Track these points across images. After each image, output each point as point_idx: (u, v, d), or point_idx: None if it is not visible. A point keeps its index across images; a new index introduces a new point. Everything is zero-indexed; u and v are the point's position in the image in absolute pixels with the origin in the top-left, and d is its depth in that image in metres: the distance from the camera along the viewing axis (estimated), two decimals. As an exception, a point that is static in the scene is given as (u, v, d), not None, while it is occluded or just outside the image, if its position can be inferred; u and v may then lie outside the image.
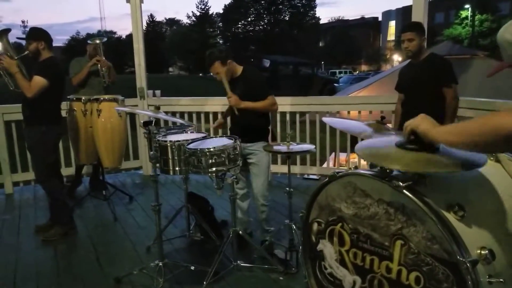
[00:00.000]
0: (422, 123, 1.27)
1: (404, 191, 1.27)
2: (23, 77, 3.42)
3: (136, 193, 4.87)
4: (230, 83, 3.12)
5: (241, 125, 3.14)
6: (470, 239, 1.20)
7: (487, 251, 1.18)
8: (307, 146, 3.15)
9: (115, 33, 56.80)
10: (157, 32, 52.16)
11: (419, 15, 4.40)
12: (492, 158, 1.52)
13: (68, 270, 3.12)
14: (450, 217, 1.23)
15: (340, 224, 1.52)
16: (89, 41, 4.81)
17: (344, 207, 1.50)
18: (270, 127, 3.41)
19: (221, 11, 47.76)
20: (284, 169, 3.36)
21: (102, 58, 4.58)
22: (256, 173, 3.23)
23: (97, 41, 4.67)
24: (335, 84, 23.95)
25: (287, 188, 3.11)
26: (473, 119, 1.13)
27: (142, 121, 2.94)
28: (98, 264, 3.17)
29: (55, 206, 3.71)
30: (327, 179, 1.57)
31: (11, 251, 3.43)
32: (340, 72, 36.23)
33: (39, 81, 3.39)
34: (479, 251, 1.19)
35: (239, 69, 3.15)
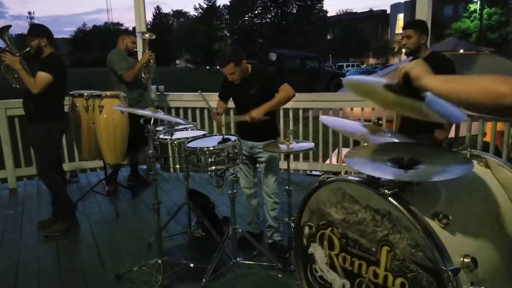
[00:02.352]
0: (416, 67, 1.26)
1: (390, 198, 1.29)
2: (27, 73, 3.45)
3: (139, 189, 4.92)
4: (241, 83, 3.11)
5: (250, 124, 3.12)
6: (453, 247, 1.21)
7: (470, 259, 1.20)
8: (306, 145, 3.15)
9: (122, 25, 57.02)
10: (164, 24, 52.18)
11: (423, 9, 4.36)
12: (481, 164, 1.52)
13: (69, 266, 3.18)
14: (435, 225, 1.24)
15: (330, 229, 1.54)
16: (138, 34, 4.75)
17: (334, 212, 1.51)
18: (277, 124, 3.41)
19: (228, 4, 47.62)
20: (286, 165, 3.39)
21: (152, 54, 4.60)
22: (267, 172, 3.24)
23: (147, 36, 4.66)
24: (341, 78, 23.82)
25: (286, 187, 3.12)
26: (468, 76, 1.14)
27: (142, 120, 2.97)
28: (99, 260, 3.23)
29: (57, 202, 3.76)
30: (317, 183, 1.58)
31: (14, 246, 3.50)
32: (347, 66, 36.07)
33: (44, 76, 3.43)
34: (462, 259, 1.20)
35: (249, 68, 3.14)
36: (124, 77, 4.59)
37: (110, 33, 50.41)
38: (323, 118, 2.03)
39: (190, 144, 2.78)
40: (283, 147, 2.97)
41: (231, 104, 3.47)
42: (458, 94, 1.11)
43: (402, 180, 1.31)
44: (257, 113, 2.98)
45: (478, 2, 34.67)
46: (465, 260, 1.20)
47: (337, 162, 5.64)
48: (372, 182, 1.37)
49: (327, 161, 5.60)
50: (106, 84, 4.71)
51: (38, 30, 3.62)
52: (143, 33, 4.76)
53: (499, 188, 1.46)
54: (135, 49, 4.71)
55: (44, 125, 3.57)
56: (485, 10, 34.13)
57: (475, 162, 1.52)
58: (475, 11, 35.94)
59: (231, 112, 5.25)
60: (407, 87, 1.28)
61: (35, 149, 3.76)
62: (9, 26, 3.61)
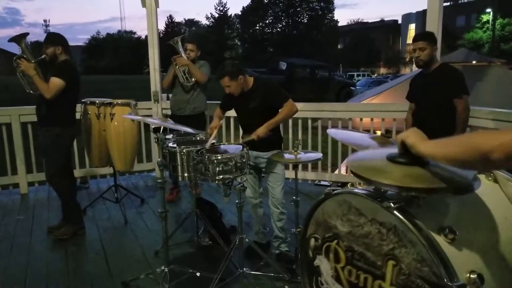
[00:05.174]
0: (411, 135, 1.30)
1: (395, 212, 1.28)
2: (41, 79, 3.54)
3: (148, 196, 4.95)
4: (242, 96, 3.14)
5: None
6: (459, 263, 1.20)
7: (476, 276, 1.18)
8: (314, 155, 3.15)
9: (134, 33, 57.77)
10: (176, 33, 52.66)
11: (434, 19, 4.34)
12: (490, 179, 1.51)
13: (77, 272, 3.20)
14: (441, 240, 1.23)
15: (335, 241, 1.53)
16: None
17: (339, 224, 1.51)
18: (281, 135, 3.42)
19: (240, 13, 48.03)
20: (294, 175, 3.38)
21: (178, 57, 4.53)
22: (274, 182, 3.24)
23: (176, 38, 4.67)
24: (352, 88, 23.75)
25: (294, 197, 3.12)
26: (457, 136, 1.17)
27: (152, 127, 3.00)
28: (107, 267, 3.24)
29: (66, 206, 3.80)
30: (323, 195, 1.58)
31: (23, 251, 3.53)
32: (358, 75, 36.00)
33: (56, 82, 3.50)
34: (468, 275, 1.19)
35: (250, 81, 3.16)
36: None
37: (123, 41, 51.06)
38: (331, 132, 2.02)
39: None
40: (290, 157, 2.97)
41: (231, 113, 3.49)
42: (450, 156, 1.14)
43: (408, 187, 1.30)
44: (262, 131, 3.03)
45: (491, 12, 34.46)
46: (472, 276, 1.19)
47: (346, 172, 5.62)
48: (377, 195, 1.37)
49: (336, 171, 5.58)
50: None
51: (54, 38, 3.70)
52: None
53: (507, 203, 1.44)
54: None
55: (54, 130, 3.62)
56: (498, 20, 33.91)
57: (483, 176, 1.51)
58: (487, 21, 35.75)
59: (240, 132, 5.29)
60: (409, 155, 1.32)
61: (44, 153, 3.78)
62: (26, 34, 3.71)
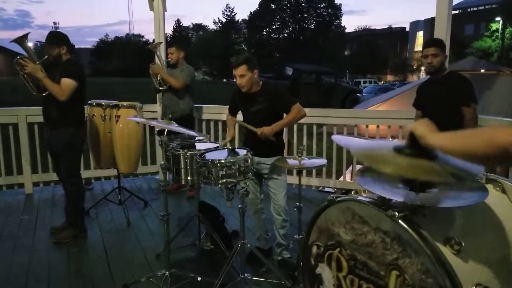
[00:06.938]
0: (420, 126, 1.26)
1: (400, 221, 1.25)
2: (51, 81, 3.45)
3: (151, 199, 4.93)
4: (249, 98, 3.12)
5: (257, 139, 3.09)
6: (465, 275, 1.17)
7: (482, 288, 1.15)
8: (318, 161, 3.13)
9: (142, 36, 58.17)
10: (183, 37, 52.98)
11: (443, 28, 4.30)
12: (498, 189, 1.48)
13: (79, 273, 3.19)
14: (446, 251, 1.20)
15: (338, 249, 1.51)
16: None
17: (343, 232, 1.48)
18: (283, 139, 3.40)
19: (247, 18, 48.19)
20: (298, 181, 3.34)
21: (153, 64, 4.97)
22: (276, 188, 3.19)
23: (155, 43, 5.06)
24: (358, 94, 23.65)
25: (297, 203, 3.09)
26: (469, 130, 1.14)
27: (157, 130, 2.98)
28: (108, 269, 3.23)
29: (73, 208, 3.78)
30: (326, 202, 1.56)
31: (26, 251, 3.53)
32: (364, 82, 35.87)
33: (69, 83, 3.46)
34: (474, 288, 1.16)
35: (260, 83, 3.15)
36: None
37: (131, 44, 51.39)
38: (336, 138, 1.99)
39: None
40: (294, 162, 2.95)
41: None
42: (463, 148, 1.10)
43: (412, 203, 1.28)
44: (268, 130, 2.99)
45: (501, 21, 34.34)
46: (478, 289, 1.16)
47: (351, 179, 5.57)
48: (382, 204, 1.34)
49: (341, 178, 5.54)
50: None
51: (58, 38, 3.65)
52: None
53: (515, 214, 1.41)
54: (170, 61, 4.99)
55: (68, 131, 3.59)
56: (508, 29, 33.77)
57: (490, 186, 1.48)
58: (497, 30, 35.58)
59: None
60: (416, 147, 1.26)
61: (61, 154, 3.70)
62: (27, 34, 3.57)
